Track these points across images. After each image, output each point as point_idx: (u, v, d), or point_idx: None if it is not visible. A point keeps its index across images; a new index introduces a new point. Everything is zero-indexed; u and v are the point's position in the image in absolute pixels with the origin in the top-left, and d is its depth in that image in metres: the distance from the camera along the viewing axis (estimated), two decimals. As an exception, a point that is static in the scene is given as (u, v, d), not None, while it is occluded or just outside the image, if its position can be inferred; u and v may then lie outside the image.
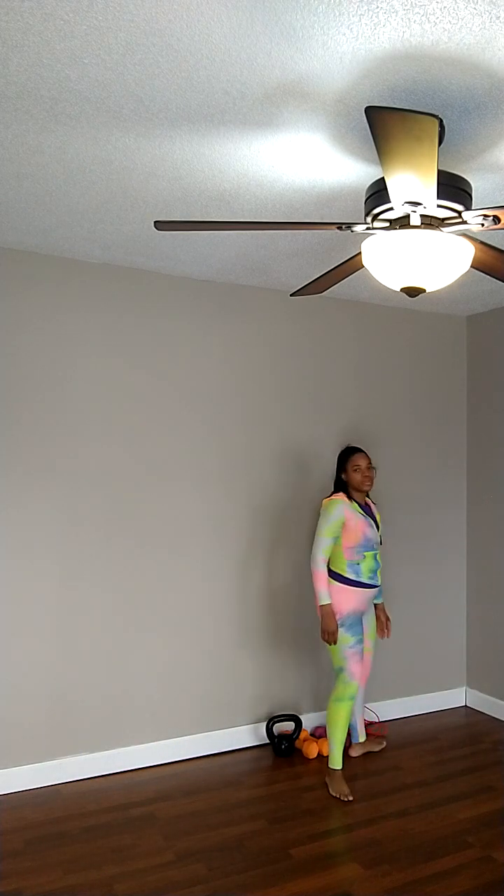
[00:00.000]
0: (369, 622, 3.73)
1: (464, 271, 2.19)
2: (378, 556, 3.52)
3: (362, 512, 3.48)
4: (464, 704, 4.57)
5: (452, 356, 4.60)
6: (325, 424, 4.16)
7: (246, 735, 3.89)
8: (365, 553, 3.44)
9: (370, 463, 3.51)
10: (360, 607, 3.45)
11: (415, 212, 2.03)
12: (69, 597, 3.47)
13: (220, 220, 2.90)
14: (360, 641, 3.43)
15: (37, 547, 3.40)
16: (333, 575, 3.41)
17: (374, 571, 3.48)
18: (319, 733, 3.95)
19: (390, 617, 3.69)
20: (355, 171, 2.42)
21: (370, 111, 1.51)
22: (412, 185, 1.85)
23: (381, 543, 3.58)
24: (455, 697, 4.56)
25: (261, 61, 1.80)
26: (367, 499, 3.59)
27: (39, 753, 3.40)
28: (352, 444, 3.77)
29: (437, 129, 1.55)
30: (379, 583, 3.53)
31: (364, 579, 3.43)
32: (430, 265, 2.08)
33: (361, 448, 3.73)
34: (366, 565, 3.44)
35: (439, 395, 4.55)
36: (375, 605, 3.72)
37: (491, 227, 2.10)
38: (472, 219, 2.08)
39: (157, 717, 3.67)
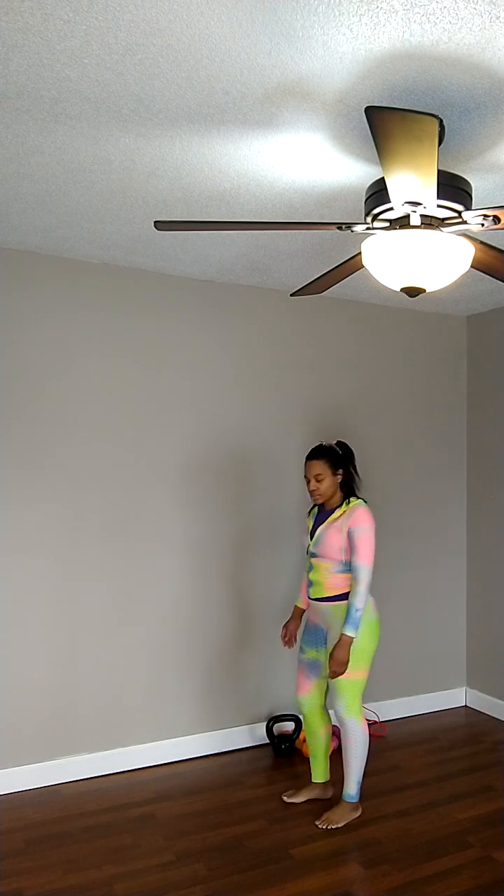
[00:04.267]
0: (331, 644, 3.11)
1: (464, 271, 2.19)
2: (313, 565, 3.15)
3: (312, 520, 3.25)
4: (464, 704, 4.57)
5: (452, 356, 4.60)
6: (326, 424, 4.15)
7: (246, 735, 3.89)
8: (308, 561, 3.22)
9: (318, 474, 3.11)
10: (314, 619, 3.21)
11: (415, 212, 2.03)
12: (68, 596, 3.47)
13: (220, 220, 2.90)
14: (304, 653, 3.23)
15: (36, 546, 3.40)
16: None
17: (311, 582, 3.18)
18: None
19: (340, 658, 2.96)
20: (355, 171, 2.42)
21: (370, 111, 1.51)
22: (412, 185, 1.85)
23: (310, 555, 3.17)
24: (455, 697, 4.56)
25: (261, 61, 1.80)
26: (339, 503, 3.14)
27: (39, 753, 3.40)
28: (325, 442, 3.24)
29: (437, 129, 1.55)
30: (317, 595, 3.14)
31: (309, 590, 3.22)
32: (430, 265, 2.08)
33: (317, 451, 3.16)
34: (309, 575, 3.21)
35: (439, 395, 4.55)
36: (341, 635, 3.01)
37: (491, 227, 2.10)
38: (472, 219, 2.08)
39: (157, 716, 3.67)
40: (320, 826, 3.04)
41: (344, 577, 3.09)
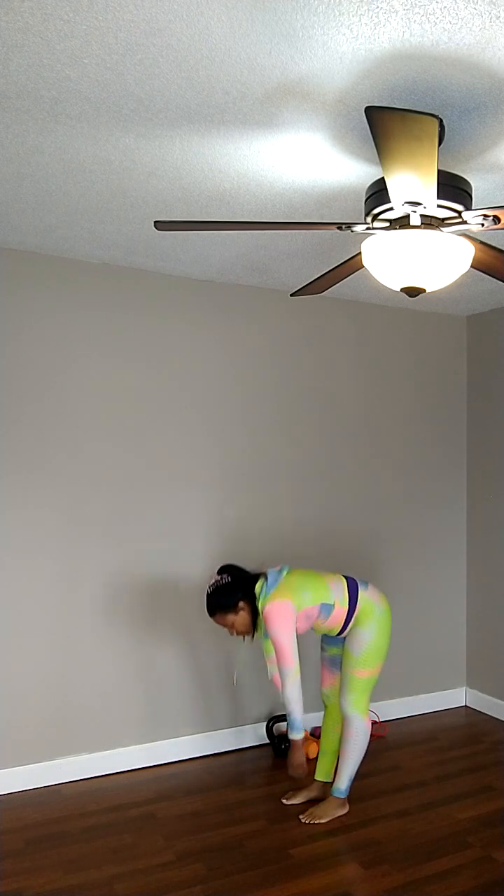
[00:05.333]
0: (350, 641, 3.11)
1: (464, 271, 2.19)
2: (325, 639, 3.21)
3: (263, 636, 3.07)
4: (464, 704, 4.57)
5: (452, 356, 4.60)
6: (326, 424, 4.16)
7: (246, 735, 3.89)
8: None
9: (227, 625, 3.02)
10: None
11: (415, 212, 2.03)
12: (68, 596, 3.47)
13: (220, 220, 2.90)
14: (326, 650, 3.26)
15: (36, 547, 3.40)
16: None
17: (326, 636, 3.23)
18: (319, 733, 3.95)
19: (295, 762, 2.95)
20: (355, 171, 2.42)
21: (370, 111, 1.51)
22: (412, 185, 1.85)
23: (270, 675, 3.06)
24: (455, 697, 4.56)
25: (261, 61, 1.80)
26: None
27: (39, 753, 3.40)
28: (209, 586, 3.07)
29: (437, 129, 1.56)
30: (332, 635, 3.13)
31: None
32: (430, 265, 2.08)
33: (209, 609, 3.04)
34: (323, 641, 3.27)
35: (439, 395, 4.55)
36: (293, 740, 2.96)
37: (491, 227, 2.10)
38: (472, 219, 2.08)
39: (157, 716, 3.67)
40: (303, 821, 3.05)
41: (337, 612, 3.04)
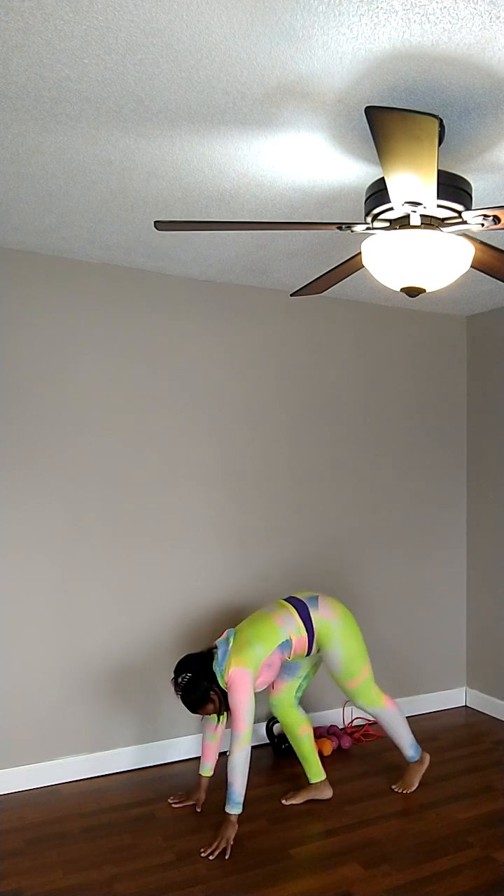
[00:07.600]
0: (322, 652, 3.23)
1: (464, 271, 2.19)
2: (301, 675, 3.32)
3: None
4: (464, 704, 4.57)
5: (452, 356, 4.60)
6: (325, 424, 4.16)
7: (246, 735, 3.89)
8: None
9: (209, 713, 3.05)
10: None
11: (415, 212, 2.03)
12: (69, 596, 3.47)
13: (220, 220, 2.90)
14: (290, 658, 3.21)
15: (36, 546, 3.40)
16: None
17: (288, 665, 3.31)
18: (319, 733, 3.95)
19: (225, 835, 2.85)
20: (355, 171, 2.43)
21: (370, 111, 1.51)
22: (412, 185, 1.85)
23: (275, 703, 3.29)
24: (455, 697, 4.56)
25: (261, 61, 1.80)
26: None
27: (39, 753, 3.40)
28: (176, 690, 3.02)
29: (437, 129, 1.55)
30: (296, 660, 3.22)
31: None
32: (430, 265, 2.08)
33: (191, 707, 3.01)
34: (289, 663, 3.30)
35: (439, 395, 4.55)
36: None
37: (491, 227, 2.10)
38: (472, 219, 2.08)
39: (157, 716, 3.67)
40: (397, 791, 3.33)
41: (297, 643, 3.10)
